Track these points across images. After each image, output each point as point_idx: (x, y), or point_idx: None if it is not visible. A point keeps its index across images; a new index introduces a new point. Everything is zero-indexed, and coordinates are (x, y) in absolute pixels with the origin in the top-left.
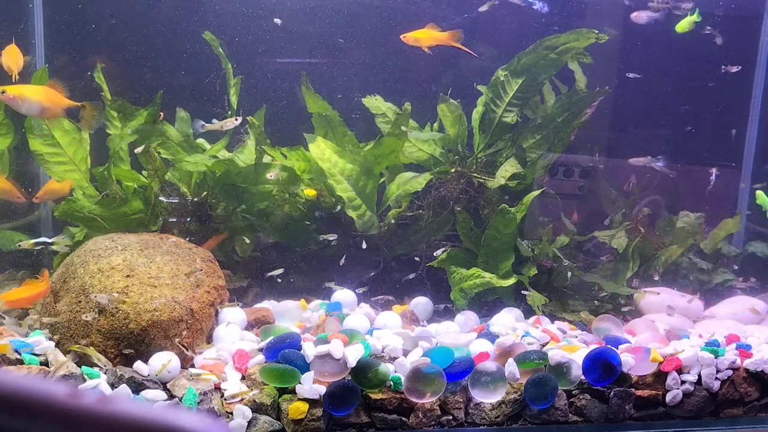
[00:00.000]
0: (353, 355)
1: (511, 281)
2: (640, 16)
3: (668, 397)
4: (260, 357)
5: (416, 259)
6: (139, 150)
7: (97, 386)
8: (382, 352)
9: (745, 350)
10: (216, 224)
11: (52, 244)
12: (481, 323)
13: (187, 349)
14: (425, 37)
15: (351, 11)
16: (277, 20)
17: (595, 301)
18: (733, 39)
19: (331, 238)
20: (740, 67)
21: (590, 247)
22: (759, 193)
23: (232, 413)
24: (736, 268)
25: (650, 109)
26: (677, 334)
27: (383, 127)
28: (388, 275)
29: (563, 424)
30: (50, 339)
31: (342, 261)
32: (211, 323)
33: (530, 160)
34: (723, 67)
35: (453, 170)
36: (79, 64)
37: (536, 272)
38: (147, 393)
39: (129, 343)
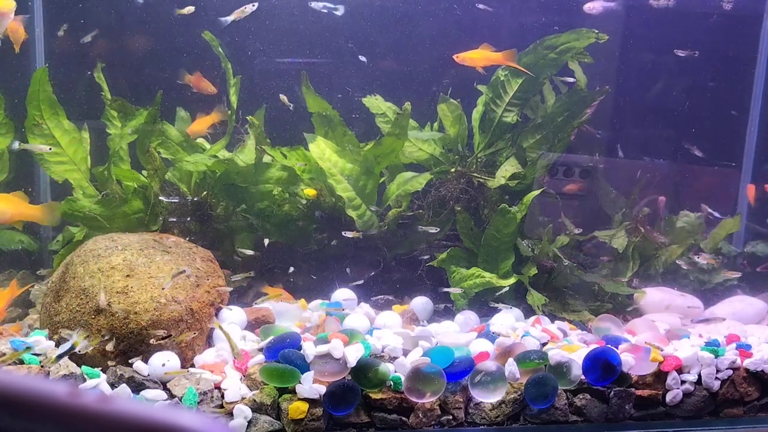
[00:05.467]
0: (353, 354)
1: (511, 281)
2: (594, 6)
3: (668, 397)
4: (260, 357)
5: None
6: None
7: (97, 386)
8: (382, 351)
9: (745, 350)
10: (216, 224)
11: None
12: (481, 323)
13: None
14: (480, 57)
15: (351, 11)
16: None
17: (597, 302)
18: (733, 39)
19: (432, 231)
20: (695, 53)
21: (590, 247)
22: None
23: (232, 413)
24: (740, 276)
25: (650, 108)
26: (677, 334)
27: (383, 126)
28: (388, 275)
29: (563, 424)
30: (50, 339)
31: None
32: (211, 323)
33: (530, 160)
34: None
35: (453, 170)
36: (79, 61)
37: (536, 272)
38: (147, 393)
39: (129, 343)
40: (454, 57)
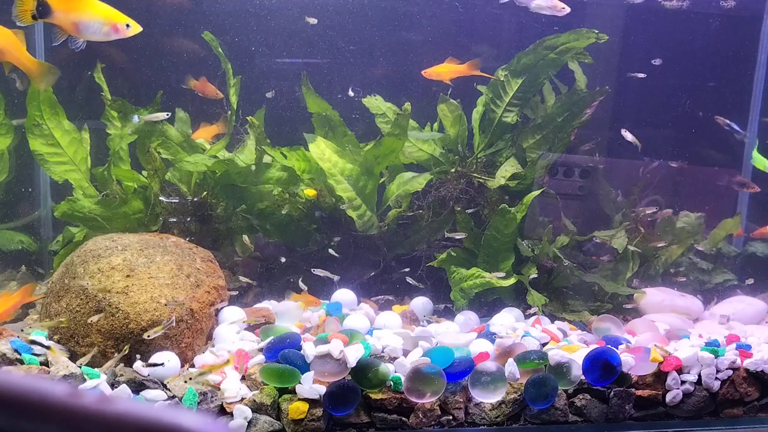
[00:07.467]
0: (353, 355)
1: (511, 281)
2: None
3: (668, 397)
4: (260, 357)
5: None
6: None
7: (97, 386)
8: (382, 352)
9: (745, 350)
10: (216, 224)
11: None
12: (481, 323)
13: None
14: (446, 71)
15: (351, 11)
16: (311, 19)
17: (597, 302)
18: (733, 39)
19: (458, 236)
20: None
21: (590, 247)
22: (756, 154)
23: (232, 413)
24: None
25: (650, 108)
26: (677, 334)
27: (383, 127)
28: (388, 275)
29: (563, 424)
30: (50, 339)
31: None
32: (211, 323)
33: (530, 160)
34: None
35: (453, 170)
36: (79, 62)
37: (536, 272)
38: (147, 393)
39: (129, 344)
40: (423, 73)
